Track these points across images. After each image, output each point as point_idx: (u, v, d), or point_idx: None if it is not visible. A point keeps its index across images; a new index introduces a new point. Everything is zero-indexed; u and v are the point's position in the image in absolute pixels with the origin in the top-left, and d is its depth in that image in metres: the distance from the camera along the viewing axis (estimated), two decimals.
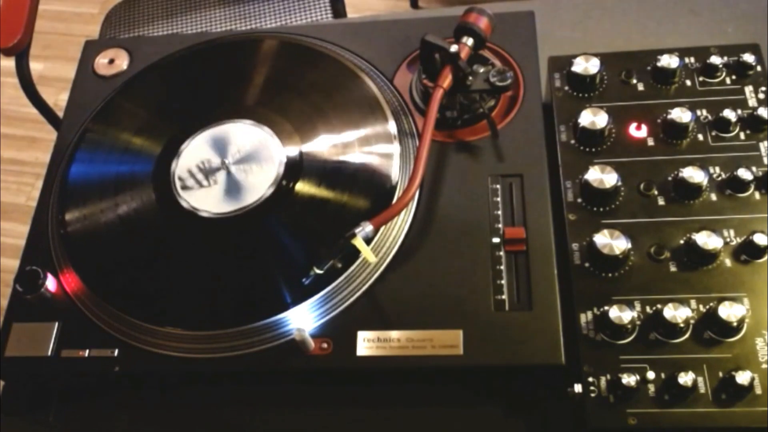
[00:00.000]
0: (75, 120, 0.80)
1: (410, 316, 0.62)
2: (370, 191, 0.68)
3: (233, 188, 0.69)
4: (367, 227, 0.61)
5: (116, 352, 0.64)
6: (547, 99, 0.74)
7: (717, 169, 0.66)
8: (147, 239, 0.70)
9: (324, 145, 0.71)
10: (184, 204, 0.69)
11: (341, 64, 0.76)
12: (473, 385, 0.66)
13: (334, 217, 0.67)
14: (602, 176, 0.65)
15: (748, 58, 0.71)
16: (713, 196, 0.65)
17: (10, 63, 1.26)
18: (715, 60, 0.71)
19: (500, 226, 0.65)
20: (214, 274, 0.67)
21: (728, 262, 0.62)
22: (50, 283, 0.67)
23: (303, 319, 0.62)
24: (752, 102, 0.69)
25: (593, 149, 0.69)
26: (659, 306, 0.59)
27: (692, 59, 0.73)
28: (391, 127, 0.71)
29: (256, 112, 0.74)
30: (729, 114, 0.68)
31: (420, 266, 0.64)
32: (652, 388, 0.58)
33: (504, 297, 0.62)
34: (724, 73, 0.72)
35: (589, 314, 0.61)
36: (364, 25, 0.82)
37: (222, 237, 0.68)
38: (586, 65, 0.72)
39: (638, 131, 0.69)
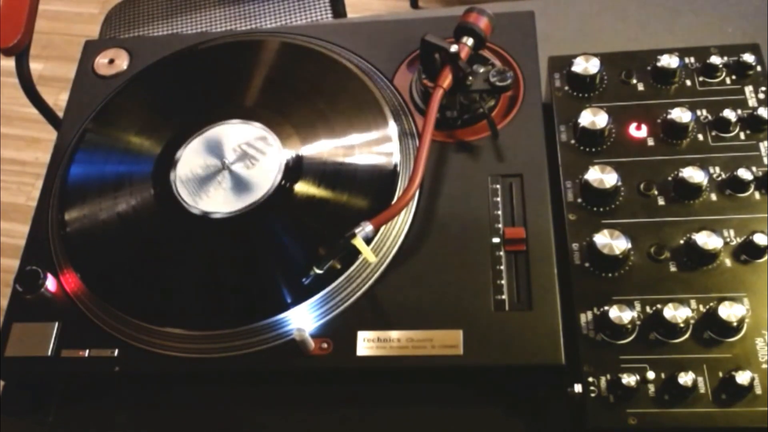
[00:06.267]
0: (75, 120, 0.80)
1: (410, 316, 0.62)
2: (370, 191, 0.68)
3: (233, 188, 0.69)
4: (367, 227, 0.61)
5: (116, 352, 0.64)
6: (547, 99, 0.74)
7: (717, 169, 0.66)
8: (147, 239, 0.70)
9: (324, 145, 0.71)
10: (183, 204, 0.69)
11: (341, 65, 0.76)
12: (473, 385, 0.66)
13: (334, 217, 0.67)
14: (602, 176, 0.65)
15: (748, 58, 0.71)
16: (713, 196, 0.65)
17: (10, 63, 1.26)
18: (715, 60, 0.71)
19: (500, 226, 0.65)
20: (214, 274, 0.67)
21: (728, 262, 0.62)
22: (50, 283, 0.67)
23: (303, 319, 0.62)
24: (752, 102, 0.69)
25: (593, 149, 0.69)
26: (659, 306, 0.59)
27: (692, 59, 0.73)
28: (391, 127, 0.71)
29: (255, 113, 0.74)
30: (729, 114, 0.68)
31: (420, 266, 0.64)
32: (652, 388, 0.58)
33: (504, 297, 0.62)
34: (724, 73, 0.72)
35: (589, 314, 0.61)
36: (364, 25, 0.82)
37: (222, 237, 0.68)
38: (586, 65, 0.72)
39: (638, 131, 0.69)
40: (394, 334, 0.61)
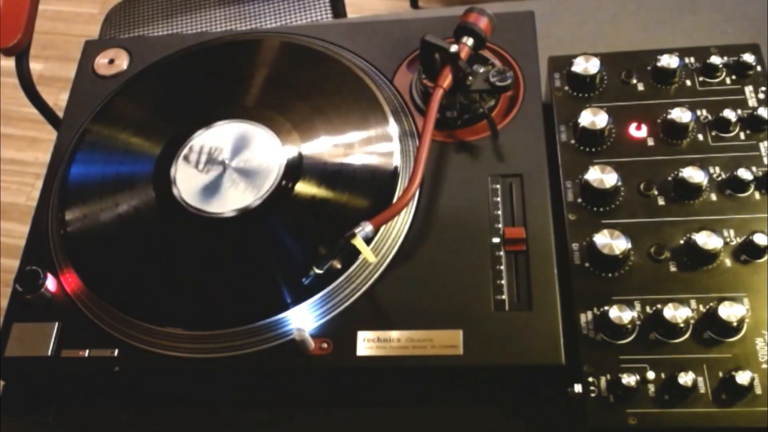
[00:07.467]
0: (75, 120, 0.80)
1: (410, 316, 0.62)
2: (370, 191, 0.68)
3: (233, 188, 0.69)
4: (367, 227, 0.61)
5: (116, 352, 0.64)
6: (547, 99, 0.74)
7: (717, 169, 0.66)
8: (147, 239, 0.70)
9: (324, 145, 0.71)
10: (183, 204, 0.69)
11: (341, 64, 0.76)
12: (473, 385, 0.66)
13: (334, 217, 0.67)
14: (602, 176, 0.65)
15: (748, 58, 0.71)
16: (713, 196, 0.65)
17: (10, 63, 1.27)
18: (715, 60, 0.71)
19: (500, 226, 0.65)
20: (214, 274, 0.67)
21: (728, 262, 0.62)
22: (50, 283, 0.67)
23: (303, 319, 0.62)
24: (752, 102, 0.69)
25: (593, 149, 0.69)
26: (659, 306, 0.59)
27: (692, 59, 0.73)
28: (391, 127, 0.71)
29: (255, 112, 0.74)
30: (729, 114, 0.68)
31: (420, 266, 0.64)
32: (652, 388, 0.58)
33: (504, 297, 0.62)
34: (724, 73, 0.72)
35: (589, 314, 0.61)
36: (364, 25, 0.82)
37: (222, 237, 0.68)
38: (586, 65, 0.72)
39: (638, 131, 0.69)
40: (394, 334, 0.61)
